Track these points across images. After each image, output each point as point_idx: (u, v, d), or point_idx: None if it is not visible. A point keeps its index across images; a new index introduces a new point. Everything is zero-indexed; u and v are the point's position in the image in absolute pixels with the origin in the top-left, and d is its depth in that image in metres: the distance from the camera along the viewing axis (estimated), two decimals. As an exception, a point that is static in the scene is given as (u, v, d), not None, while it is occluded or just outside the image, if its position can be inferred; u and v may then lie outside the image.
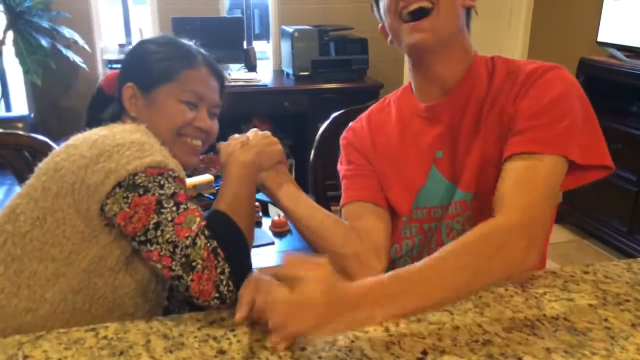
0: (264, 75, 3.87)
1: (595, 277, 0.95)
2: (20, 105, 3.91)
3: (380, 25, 1.08)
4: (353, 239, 1.03)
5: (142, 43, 1.12)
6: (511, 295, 0.89)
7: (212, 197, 2.38)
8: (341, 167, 1.17)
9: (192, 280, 0.83)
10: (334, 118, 1.49)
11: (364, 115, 1.19)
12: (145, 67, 1.05)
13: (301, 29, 3.69)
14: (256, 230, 2.09)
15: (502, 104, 0.97)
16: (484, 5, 1.06)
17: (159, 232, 0.86)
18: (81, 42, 3.42)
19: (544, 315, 0.83)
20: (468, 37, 1.05)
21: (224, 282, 0.83)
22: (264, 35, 4.41)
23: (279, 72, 4.03)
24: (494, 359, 0.73)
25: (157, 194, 0.88)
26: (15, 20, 3.24)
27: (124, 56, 1.14)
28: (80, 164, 0.90)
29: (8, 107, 3.90)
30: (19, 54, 3.20)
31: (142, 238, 0.86)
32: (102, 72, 3.53)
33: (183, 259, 0.84)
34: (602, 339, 0.77)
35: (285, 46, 3.79)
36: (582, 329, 0.80)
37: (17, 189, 1.09)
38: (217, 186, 2.42)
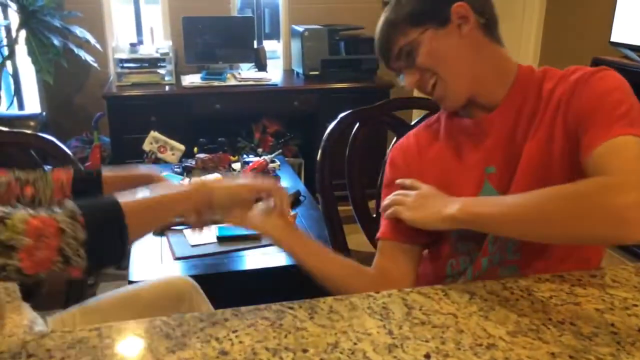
0: (274, 74, 3.88)
1: (602, 281, 0.94)
2: (32, 104, 3.94)
3: None
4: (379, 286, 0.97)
5: None
6: (517, 298, 0.88)
7: (220, 197, 2.39)
8: (384, 188, 1.15)
9: (20, 259, 0.75)
10: (342, 118, 1.49)
11: (412, 132, 1.18)
12: None
13: (311, 28, 3.68)
14: (264, 229, 2.09)
15: (556, 108, 0.97)
16: (496, 7, 1.06)
17: None
18: (93, 41, 3.44)
19: (550, 319, 0.83)
20: (501, 48, 1.05)
21: (72, 246, 0.78)
22: (274, 34, 4.41)
23: (289, 72, 4.03)
24: (498, 363, 0.73)
25: None
26: (28, 20, 3.26)
27: None
28: None
29: (21, 106, 3.94)
30: (31, 53, 3.22)
31: None
32: (114, 71, 3.55)
33: None
34: (607, 344, 0.76)
35: (296, 45, 3.79)
36: (588, 333, 0.79)
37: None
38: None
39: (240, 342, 0.78)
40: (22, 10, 3.25)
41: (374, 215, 1.47)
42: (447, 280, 1.09)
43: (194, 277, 1.83)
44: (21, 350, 0.76)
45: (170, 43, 3.69)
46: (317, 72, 3.67)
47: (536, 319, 0.83)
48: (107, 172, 1.14)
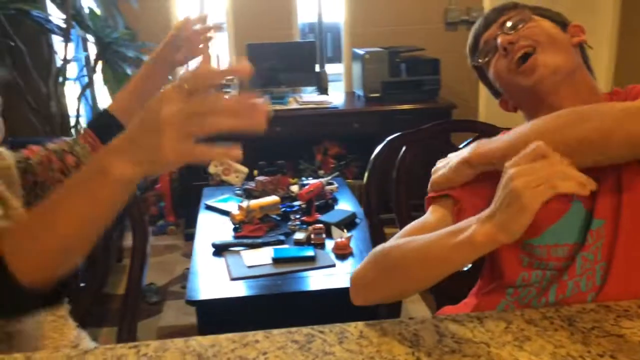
0: (336, 97, 3.93)
1: (653, 312, 0.89)
2: (109, 130, 4.18)
3: (499, 101, 1.15)
4: None
5: None
6: (556, 329, 0.85)
7: (278, 218, 2.43)
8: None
9: None
10: (389, 141, 1.49)
11: None
12: None
13: (372, 50, 3.71)
14: (319, 252, 2.11)
15: None
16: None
17: None
18: (163, 69, 3.62)
19: (589, 352, 0.79)
20: (592, 78, 1.05)
21: None
22: (337, 58, 4.47)
23: (350, 94, 4.07)
24: (528, 396, 0.70)
25: None
26: (104, 51, 3.49)
27: None
28: None
29: (98, 131, 4.19)
30: (106, 81, 3.43)
31: None
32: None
33: None
34: (650, 381, 0.72)
35: (357, 68, 3.83)
36: (630, 368, 0.75)
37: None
38: (282, 207, 2.47)
39: (268, 364, 0.79)
40: (99, 42, 3.48)
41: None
42: (512, 290, 1.03)
43: (250, 297, 1.88)
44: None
45: (235, 69, 3.82)
46: (377, 94, 3.69)
47: (574, 350, 0.79)
48: (113, 103, 1.18)
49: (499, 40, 1.04)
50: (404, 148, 1.48)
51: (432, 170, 1.09)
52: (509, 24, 1.05)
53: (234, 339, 0.86)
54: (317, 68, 4.02)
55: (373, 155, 1.48)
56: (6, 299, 0.73)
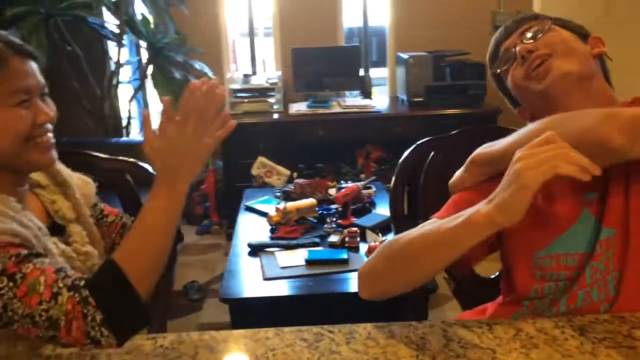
0: (380, 101, 3.93)
1: (671, 325, 0.86)
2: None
3: (517, 110, 1.16)
4: None
5: None
6: (566, 338, 0.84)
7: (315, 221, 2.46)
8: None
9: (61, 337, 0.82)
10: (418, 146, 1.50)
11: None
12: None
13: (416, 55, 3.70)
14: (352, 255, 2.13)
15: None
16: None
17: (10, 313, 0.83)
18: (210, 73, 3.73)
19: (596, 362, 0.78)
20: (610, 89, 1.05)
21: (96, 329, 0.82)
22: (382, 62, 4.48)
23: (394, 98, 4.07)
24: (526, 403, 0.70)
25: None
26: (155, 56, 3.62)
27: None
28: None
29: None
30: (156, 85, 3.56)
31: (1, 323, 0.84)
32: (228, 101, 3.81)
33: (47, 323, 0.82)
34: (656, 394, 0.71)
35: (400, 72, 3.83)
36: (636, 381, 0.73)
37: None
38: (319, 210, 2.50)
39: (275, 357, 0.82)
40: (151, 47, 3.61)
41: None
42: (528, 302, 1.02)
43: (281, 297, 1.92)
44: (87, 353, 0.86)
45: (279, 73, 3.89)
46: (421, 99, 3.67)
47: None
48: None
49: (518, 48, 1.04)
50: (432, 153, 1.48)
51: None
52: (529, 33, 1.06)
53: (246, 335, 0.90)
54: (361, 72, 4.04)
55: (401, 160, 1.49)
56: (134, 323, 0.87)
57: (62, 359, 0.84)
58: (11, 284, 0.83)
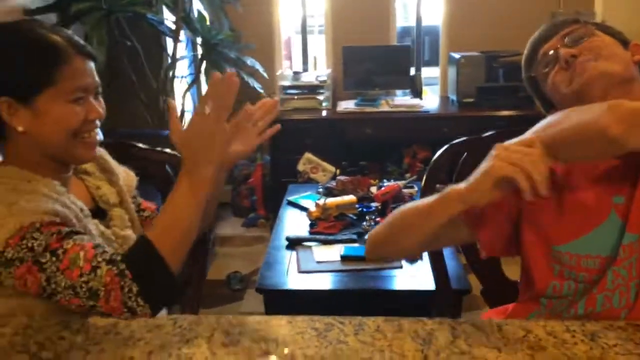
0: (431, 101, 3.90)
1: (689, 336, 0.84)
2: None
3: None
4: None
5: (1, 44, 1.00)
6: (575, 342, 0.83)
7: (354, 217, 2.48)
8: None
9: (100, 306, 0.90)
10: (450, 146, 1.49)
11: None
12: (14, 77, 0.99)
13: (468, 55, 3.65)
14: (388, 252, 2.14)
15: None
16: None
17: (53, 285, 0.91)
18: (261, 70, 3.80)
19: (602, 368, 0.77)
20: None
21: (132, 299, 0.90)
22: (435, 61, 4.44)
23: (444, 98, 4.03)
24: (523, 402, 0.70)
25: (30, 258, 0.91)
26: (209, 52, 3.73)
27: None
28: None
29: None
30: (208, 81, 3.67)
31: (45, 294, 0.92)
32: (278, 97, 3.88)
33: (87, 293, 0.90)
34: (658, 403, 0.69)
35: (452, 72, 3.79)
36: (640, 388, 0.72)
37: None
38: (359, 207, 2.52)
39: (285, 346, 0.85)
40: (205, 43, 3.72)
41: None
42: (546, 301, 1.03)
43: (314, 291, 1.95)
44: (112, 329, 0.92)
45: (329, 71, 3.92)
46: (471, 99, 3.62)
47: (587, 365, 0.78)
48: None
49: (561, 52, 1.03)
50: (465, 154, 1.48)
51: None
52: (570, 37, 1.04)
53: (260, 321, 0.93)
54: (412, 71, 4.02)
55: (433, 159, 1.49)
56: (166, 294, 0.95)
57: (89, 333, 0.90)
58: (54, 258, 0.91)
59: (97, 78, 1.05)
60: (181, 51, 4.02)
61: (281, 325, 0.92)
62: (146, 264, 0.93)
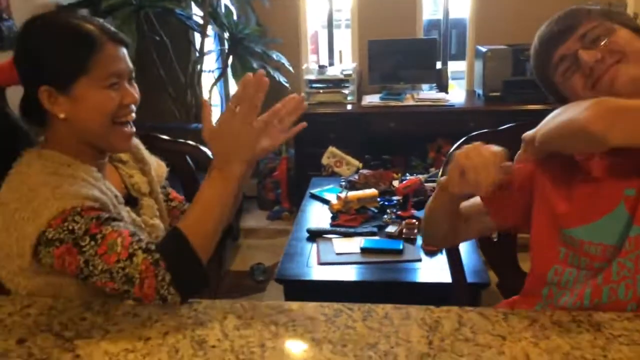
0: (457, 95, 3.88)
1: (696, 328, 0.84)
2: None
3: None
4: None
5: (31, 38, 1.04)
6: (580, 332, 0.84)
7: (375, 211, 2.50)
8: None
9: (134, 292, 0.94)
10: (468, 139, 1.50)
11: None
12: (52, 67, 1.03)
13: (495, 48, 3.62)
14: (408, 246, 2.15)
15: None
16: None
17: (91, 267, 0.95)
18: (287, 64, 3.84)
19: (605, 356, 0.78)
20: None
21: (165, 287, 0.93)
22: (462, 55, 4.40)
23: (470, 92, 4.00)
24: (523, 388, 0.72)
25: (70, 240, 0.95)
26: (236, 46, 3.77)
27: (18, 54, 1.06)
28: None
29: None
30: (235, 75, 3.72)
31: (82, 276, 0.96)
32: (304, 91, 3.90)
33: (123, 279, 0.94)
34: (658, 392, 0.70)
35: (478, 66, 3.75)
36: (642, 377, 0.73)
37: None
38: (381, 201, 2.53)
39: (294, 330, 0.88)
40: (232, 38, 3.77)
41: (494, 239, 1.46)
42: (546, 289, 1.04)
43: (333, 282, 1.98)
44: (130, 311, 0.96)
45: (355, 65, 3.93)
46: (497, 93, 3.59)
47: (590, 353, 0.78)
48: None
49: (584, 57, 0.97)
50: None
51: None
52: (589, 36, 0.98)
53: (272, 307, 0.96)
54: (438, 65, 3.99)
55: (450, 151, 1.50)
56: (196, 284, 0.99)
57: (109, 314, 0.95)
58: (93, 242, 0.95)
59: (130, 64, 1.08)
60: (209, 45, 4.08)
61: (292, 310, 0.95)
62: (178, 255, 0.97)
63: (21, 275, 1.01)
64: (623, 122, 0.82)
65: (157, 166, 1.30)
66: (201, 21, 3.63)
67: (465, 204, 1.17)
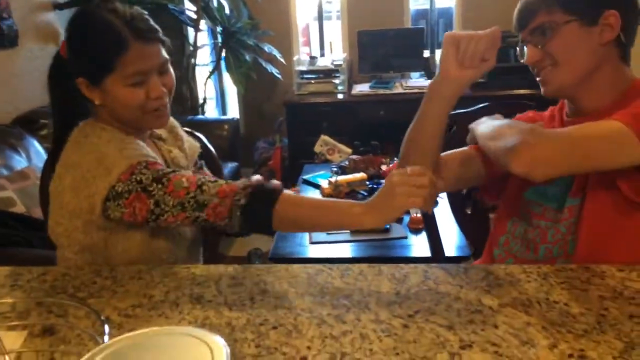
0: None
1: (628, 275, 0.96)
2: (234, 111, 4.63)
3: None
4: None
5: (72, 32, 1.12)
6: (529, 281, 0.96)
7: (365, 194, 2.62)
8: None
9: (206, 214, 1.04)
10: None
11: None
12: (84, 62, 1.11)
13: (480, 36, 3.72)
14: (395, 225, 2.28)
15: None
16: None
17: (162, 206, 1.04)
18: (279, 56, 3.94)
19: (547, 298, 0.90)
20: (624, 69, 1.08)
21: (236, 210, 1.02)
22: (449, 43, 4.51)
23: (458, 80, 4.10)
24: (474, 324, 0.84)
25: (139, 189, 1.05)
26: (229, 40, 3.88)
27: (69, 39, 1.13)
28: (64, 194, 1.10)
29: (225, 112, 4.65)
30: (228, 68, 3.83)
31: (153, 217, 1.06)
32: (295, 82, 4.01)
33: (194, 205, 1.04)
34: (587, 322, 0.82)
35: (464, 54, 3.86)
36: (575, 313, 0.85)
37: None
38: (370, 184, 2.65)
39: (280, 285, 1.01)
40: (225, 31, 3.87)
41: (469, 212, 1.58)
42: (502, 239, 1.20)
43: (325, 259, 2.10)
44: (135, 275, 1.08)
45: (345, 55, 4.04)
46: (482, 79, 3.69)
47: (534, 297, 0.91)
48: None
49: (527, 56, 1.11)
50: (454, 127, 1.60)
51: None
52: (537, 32, 1.09)
53: (262, 269, 1.08)
54: (426, 54, 4.11)
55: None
56: (262, 225, 1.06)
57: (117, 278, 1.07)
58: (160, 186, 1.05)
59: (160, 57, 1.12)
60: (202, 40, 4.19)
61: (279, 271, 1.07)
62: (262, 199, 1.04)
63: (81, 231, 1.12)
64: (543, 168, 0.94)
65: (190, 145, 1.39)
66: (194, 16, 3.73)
67: (457, 150, 1.31)
